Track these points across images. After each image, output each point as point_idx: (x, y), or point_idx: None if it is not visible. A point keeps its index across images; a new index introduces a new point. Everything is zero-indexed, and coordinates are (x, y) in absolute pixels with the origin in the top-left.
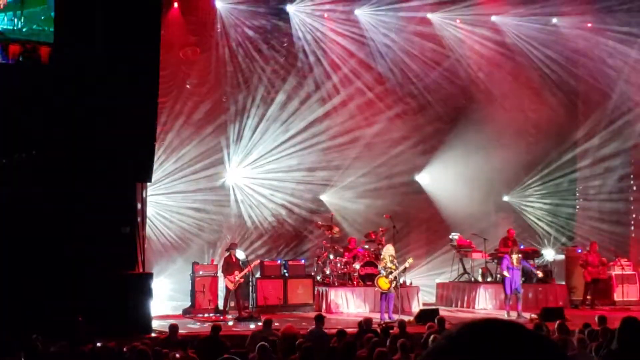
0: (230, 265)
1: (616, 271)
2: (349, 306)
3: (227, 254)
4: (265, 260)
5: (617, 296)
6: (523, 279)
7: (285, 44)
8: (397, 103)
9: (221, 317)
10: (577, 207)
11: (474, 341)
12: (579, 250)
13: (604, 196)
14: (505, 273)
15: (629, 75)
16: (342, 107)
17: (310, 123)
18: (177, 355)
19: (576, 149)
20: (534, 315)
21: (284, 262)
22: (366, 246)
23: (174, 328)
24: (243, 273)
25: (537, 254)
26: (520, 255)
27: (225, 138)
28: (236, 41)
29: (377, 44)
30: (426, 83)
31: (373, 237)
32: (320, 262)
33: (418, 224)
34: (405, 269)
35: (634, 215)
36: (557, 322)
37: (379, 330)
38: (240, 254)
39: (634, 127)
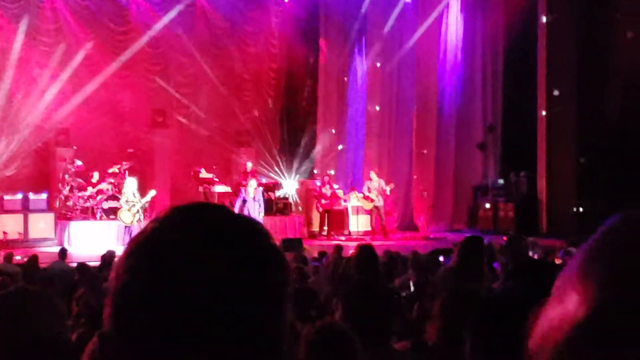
0: None
1: (352, 203)
2: (93, 240)
3: None
4: (5, 194)
5: (351, 227)
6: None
7: None
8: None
9: None
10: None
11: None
12: (318, 183)
13: None
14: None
15: None
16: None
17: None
18: None
19: None
20: None
21: (24, 196)
22: (110, 180)
23: None
24: None
25: (277, 186)
26: (257, 187)
27: None
28: None
29: None
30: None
31: (116, 171)
32: (62, 196)
33: (162, 157)
34: (147, 202)
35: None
36: (294, 252)
37: None
38: None
39: None
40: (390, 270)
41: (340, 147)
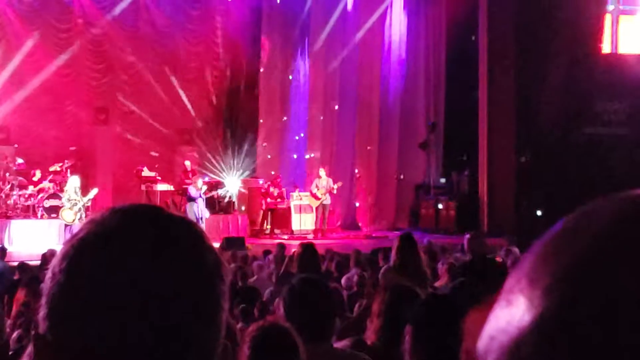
0: None
1: (294, 201)
2: (34, 239)
3: None
4: None
5: (294, 225)
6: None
7: None
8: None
9: None
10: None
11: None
12: (261, 181)
13: None
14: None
15: None
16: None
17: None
18: None
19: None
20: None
21: None
22: (52, 178)
23: None
24: None
25: (220, 185)
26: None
27: None
28: None
29: None
30: None
31: (58, 169)
32: (3, 194)
33: (105, 155)
34: (89, 200)
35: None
36: (236, 251)
37: None
38: None
39: None
40: (331, 268)
41: (282, 145)
